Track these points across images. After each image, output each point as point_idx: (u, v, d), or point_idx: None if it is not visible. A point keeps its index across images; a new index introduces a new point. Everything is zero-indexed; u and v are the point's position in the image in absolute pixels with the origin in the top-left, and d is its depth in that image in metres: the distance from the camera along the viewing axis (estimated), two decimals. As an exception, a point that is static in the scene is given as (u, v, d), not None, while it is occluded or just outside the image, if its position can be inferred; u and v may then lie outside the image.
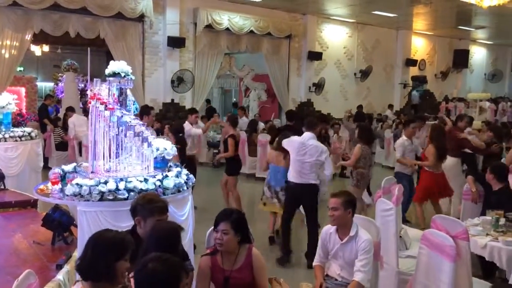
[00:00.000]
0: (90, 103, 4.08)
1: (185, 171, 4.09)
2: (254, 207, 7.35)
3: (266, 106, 15.83)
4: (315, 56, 15.60)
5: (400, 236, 4.70)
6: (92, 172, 3.99)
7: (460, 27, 18.06)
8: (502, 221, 4.41)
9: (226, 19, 12.84)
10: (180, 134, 6.73)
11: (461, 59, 20.88)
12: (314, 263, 3.57)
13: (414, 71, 19.34)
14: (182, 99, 12.80)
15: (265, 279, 2.98)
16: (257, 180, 9.71)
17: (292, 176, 5.37)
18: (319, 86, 15.91)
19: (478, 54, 22.91)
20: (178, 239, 2.55)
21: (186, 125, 7.43)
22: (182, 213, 3.78)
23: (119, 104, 3.99)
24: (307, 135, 5.42)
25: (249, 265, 2.93)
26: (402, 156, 6.66)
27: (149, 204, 2.90)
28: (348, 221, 3.36)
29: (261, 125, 11.93)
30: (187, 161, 6.61)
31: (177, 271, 2.03)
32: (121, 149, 3.94)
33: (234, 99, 18.51)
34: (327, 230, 3.49)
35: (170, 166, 4.14)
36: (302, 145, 5.33)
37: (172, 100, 12.56)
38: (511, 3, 11.33)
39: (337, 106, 16.09)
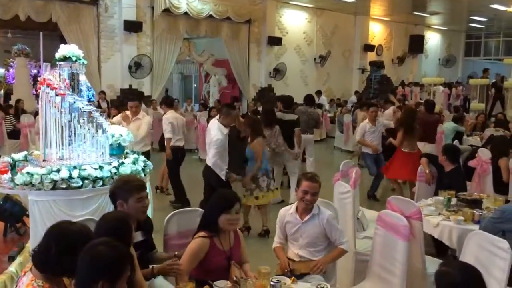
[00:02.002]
0: (39, 89, 3.92)
1: (142, 157, 4.01)
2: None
3: (227, 92, 15.74)
4: (275, 41, 15.60)
5: (358, 218, 4.81)
6: (44, 161, 3.84)
7: (415, 12, 18.47)
8: (454, 201, 4.56)
9: (184, 3, 12.60)
10: None
11: (416, 44, 21.40)
12: (274, 245, 3.59)
13: (372, 56, 19.68)
14: (140, 85, 12.54)
15: (246, 255, 3.10)
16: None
17: None
18: (279, 72, 15.95)
19: (433, 40, 23.54)
20: (129, 228, 2.49)
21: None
22: (140, 200, 3.71)
23: (70, 90, 3.84)
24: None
25: (239, 243, 3.04)
26: (362, 138, 7.21)
27: (126, 185, 2.85)
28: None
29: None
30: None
31: (123, 261, 2.00)
32: (74, 136, 3.81)
33: (195, 85, 18.31)
34: (286, 211, 3.51)
35: (127, 153, 4.05)
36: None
37: (130, 86, 12.27)
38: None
39: (298, 92, 16.16)
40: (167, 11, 12.35)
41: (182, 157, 6.84)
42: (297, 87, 16.61)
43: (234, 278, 2.72)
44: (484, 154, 6.00)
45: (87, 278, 1.94)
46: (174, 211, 3.32)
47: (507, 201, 4.37)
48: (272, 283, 2.70)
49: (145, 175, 3.84)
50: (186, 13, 12.76)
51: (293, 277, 2.92)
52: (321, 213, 3.37)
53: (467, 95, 17.19)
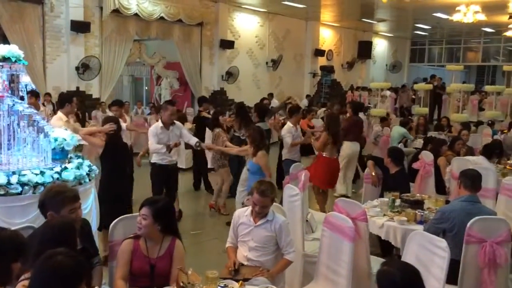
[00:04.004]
0: (-24, 90, 3.72)
1: (87, 162, 3.89)
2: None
3: (179, 95, 15.57)
4: (227, 44, 15.61)
5: (307, 220, 4.89)
6: (-20, 166, 3.65)
7: (363, 19, 19.04)
8: (398, 202, 4.73)
9: (134, 3, 12.36)
10: None
11: (365, 50, 22.05)
12: (227, 245, 3.60)
13: (322, 61, 20.09)
14: (88, 87, 12.16)
15: (180, 273, 2.96)
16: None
17: None
18: (232, 75, 15.96)
19: (380, 46, 24.34)
20: (74, 234, 2.42)
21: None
22: (85, 206, 3.59)
23: (10, 92, 3.68)
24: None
25: (170, 254, 2.96)
26: (293, 141, 6.77)
27: (58, 196, 2.74)
28: (268, 209, 3.43)
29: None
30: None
31: (81, 271, 1.97)
32: (14, 140, 3.64)
33: (146, 88, 17.99)
34: (242, 212, 3.53)
35: (71, 158, 3.91)
36: None
37: (77, 88, 11.87)
38: (407, -2, 12.20)
39: (250, 95, 16.26)
40: (116, 11, 12.06)
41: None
42: (250, 91, 16.69)
43: (181, 284, 2.68)
44: (427, 156, 6.24)
45: None
46: (120, 217, 3.24)
47: (447, 202, 4.56)
48: (219, 287, 2.69)
49: (90, 180, 3.73)
50: (136, 14, 12.51)
51: (241, 281, 2.92)
52: (275, 219, 3.40)
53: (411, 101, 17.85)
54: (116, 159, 4.75)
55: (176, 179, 6.13)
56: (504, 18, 15.21)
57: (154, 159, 5.90)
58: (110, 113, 10.19)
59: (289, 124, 6.87)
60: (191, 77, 14.86)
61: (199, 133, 7.89)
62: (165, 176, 5.86)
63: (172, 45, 14.45)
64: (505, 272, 3.49)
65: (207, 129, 7.89)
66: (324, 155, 6.53)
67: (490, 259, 3.37)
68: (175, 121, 5.97)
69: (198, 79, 15.12)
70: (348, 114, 8.59)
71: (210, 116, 7.98)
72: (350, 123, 7.93)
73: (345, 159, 7.81)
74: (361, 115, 9.28)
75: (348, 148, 7.81)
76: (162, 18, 13.17)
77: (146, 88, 17.90)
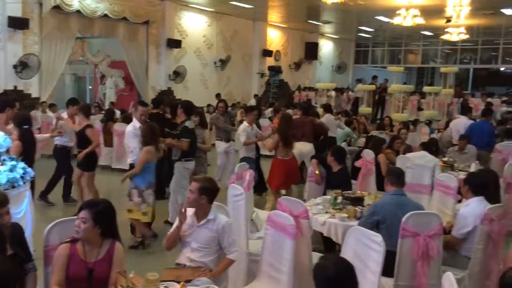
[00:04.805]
0: None
1: (21, 164, 3.73)
2: (113, 201, 6.94)
3: (124, 94, 15.22)
4: (174, 43, 15.43)
5: (252, 219, 4.93)
6: None
7: (310, 21, 19.42)
8: (340, 199, 4.87)
9: (76, 0, 11.95)
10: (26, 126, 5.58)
11: (311, 51, 22.50)
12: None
13: (270, 61, 20.29)
14: (27, 86, 11.64)
15: (120, 277, 2.89)
16: (113, 171, 9.32)
17: None
18: (179, 74, 15.80)
19: (326, 47, 24.89)
20: (4, 240, 2.32)
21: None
22: (18, 210, 3.46)
23: None
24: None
25: (110, 258, 2.89)
26: (248, 139, 7.02)
27: None
28: (202, 206, 3.40)
29: (118, 114, 11.44)
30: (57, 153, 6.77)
31: (12, 278, 1.93)
32: None
33: (90, 87, 17.44)
34: (188, 211, 3.51)
35: (4, 160, 3.74)
36: None
37: (15, 87, 11.35)
38: (351, 1, 12.54)
39: (198, 95, 16.17)
40: (57, 8, 11.61)
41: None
42: (198, 90, 16.59)
43: (120, 287, 2.63)
44: (368, 154, 6.46)
45: None
46: (56, 221, 3.13)
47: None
48: (159, 289, 2.67)
49: (24, 183, 3.58)
50: (78, 11, 12.10)
51: (182, 282, 2.91)
52: (218, 219, 3.40)
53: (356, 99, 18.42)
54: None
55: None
56: (441, 22, 15.93)
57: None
58: (50, 113, 9.90)
59: (244, 124, 7.15)
60: (137, 77, 14.57)
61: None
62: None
63: (117, 44, 14.11)
64: (437, 263, 3.68)
65: None
66: (278, 157, 6.61)
67: (424, 252, 3.55)
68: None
69: (144, 79, 14.85)
70: (296, 116, 8.77)
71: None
72: (297, 124, 7.97)
73: None
74: (328, 116, 9.53)
75: (296, 148, 7.89)
76: (106, 15, 12.82)
77: (90, 87, 17.35)
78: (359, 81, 19.34)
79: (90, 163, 6.47)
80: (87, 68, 16.65)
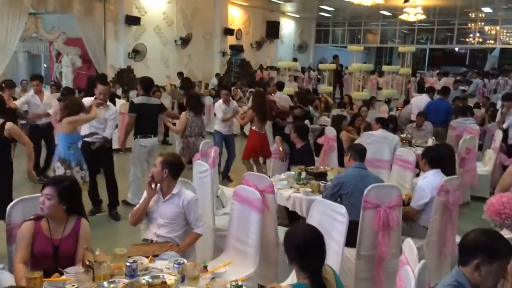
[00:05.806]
0: None
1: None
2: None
3: (82, 73, 14.75)
4: (133, 20, 15.02)
5: (217, 196, 4.97)
6: None
7: (271, -1, 19.32)
8: (303, 174, 4.97)
9: (28, -27, 11.41)
10: None
11: (273, 30, 22.43)
12: None
13: (232, 40, 20.11)
14: (-23, 64, 11.11)
15: (88, 253, 2.88)
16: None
17: None
18: (139, 53, 15.44)
19: (288, 27, 24.89)
20: None
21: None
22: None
23: None
24: None
25: (76, 235, 2.87)
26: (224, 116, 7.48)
27: None
28: (166, 180, 3.40)
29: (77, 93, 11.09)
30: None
31: None
32: None
33: (45, 65, 16.79)
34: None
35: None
36: None
37: (-36, 65, 10.81)
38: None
39: (158, 73, 15.85)
40: (7, -19, 11.07)
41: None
42: (158, 69, 16.26)
43: (87, 262, 2.62)
44: (330, 131, 6.60)
45: None
46: (18, 198, 3.05)
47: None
48: (128, 264, 2.67)
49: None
50: (31, -15, 11.58)
51: (150, 256, 2.92)
52: (183, 194, 3.41)
53: (318, 79, 18.63)
54: None
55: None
56: (400, 2, 16.24)
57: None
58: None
59: (219, 102, 7.66)
60: (95, 54, 14.12)
61: None
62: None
63: (73, 20, 13.57)
64: (397, 233, 3.84)
65: None
66: (253, 128, 7.04)
67: (384, 222, 3.69)
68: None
69: (102, 57, 14.41)
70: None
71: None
72: None
73: None
74: (280, 93, 9.79)
75: None
76: (60, -11, 12.30)
77: (45, 65, 16.71)
78: (320, 62, 19.54)
79: None
80: (42, 45, 16.01)
